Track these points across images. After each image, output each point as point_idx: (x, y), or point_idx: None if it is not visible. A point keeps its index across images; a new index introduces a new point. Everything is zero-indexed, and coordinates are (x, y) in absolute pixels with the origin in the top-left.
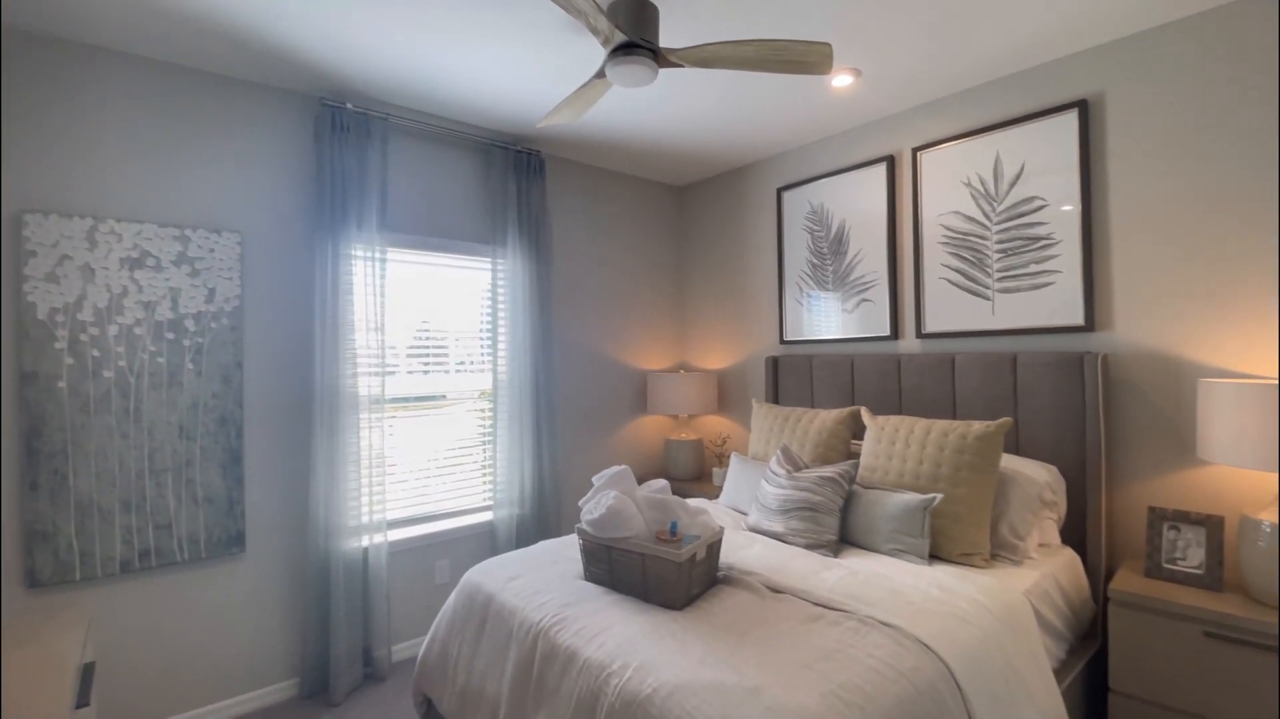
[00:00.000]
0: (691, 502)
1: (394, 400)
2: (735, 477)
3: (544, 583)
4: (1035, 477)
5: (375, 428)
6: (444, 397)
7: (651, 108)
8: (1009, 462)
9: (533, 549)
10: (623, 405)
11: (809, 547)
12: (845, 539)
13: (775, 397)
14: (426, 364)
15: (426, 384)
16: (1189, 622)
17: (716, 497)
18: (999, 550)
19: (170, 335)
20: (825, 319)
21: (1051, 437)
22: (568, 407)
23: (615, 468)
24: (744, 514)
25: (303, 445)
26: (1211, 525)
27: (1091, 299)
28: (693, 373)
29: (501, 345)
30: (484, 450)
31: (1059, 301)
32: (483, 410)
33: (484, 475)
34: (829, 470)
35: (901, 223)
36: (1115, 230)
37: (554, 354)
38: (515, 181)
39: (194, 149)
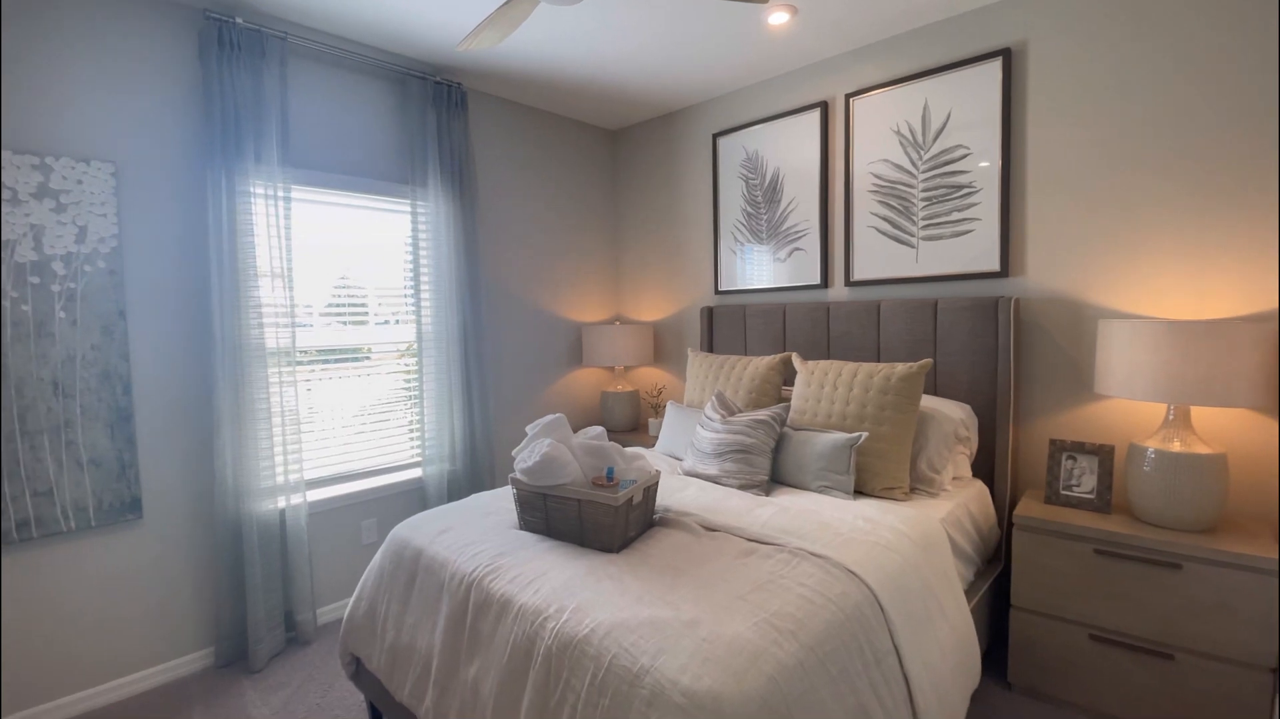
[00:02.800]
0: (628, 449)
1: (309, 355)
2: (671, 424)
3: (477, 534)
4: (951, 415)
5: (287, 383)
6: (366, 351)
7: (583, 42)
8: (928, 402)
9: (464, 502)
10: (557, 358)
11: (742, 487)
12: (777, 479)
13: (710, 346)
14: (343, 317)
15: (345, 337)
16: (1081, 541)
17: (653, 447)
18: (918, 484)
19: (35, 279)
20: (759, 269)
21: (967, 377)
22: (499, 360)
23: (550, 416)
24: (680, 460)
25: (204, 403)
26: (1104, 454)
27: (1007, 246)
28: (629, 325)
29: (425, 295)
30: (410, 405)
31: (977, 249)
32: (408, 364)
33: (411, 431)
34: (761, 414)
35: (834, 171)
36: (1031, 180)
37: (482, 305)
38: (435, 116)
39: (54, 65)
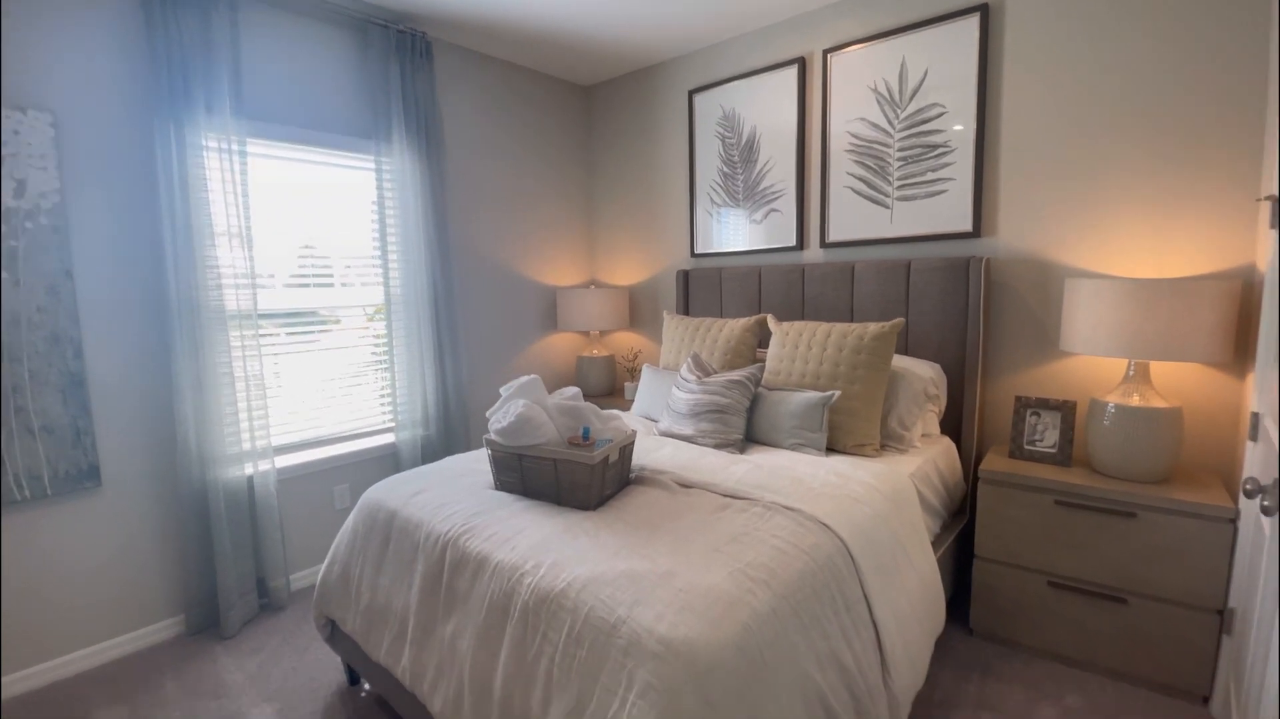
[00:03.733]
0: (604, 410)
1: (274, 319)
2: (647, 386)
3: (451, 495)
4: (921, 373)
5: (250, 348)
6: (333, 315)
7: None
8: (899, 361)
9: (438, 464)
10: (531, 322)
11: (717, 446)
12: (751, 438)
13: (686, 309)
14: (307, 279)
15: (310, 299)
16: (1042, 493)
17: (629, 411)
18: (888, 441)
19: None
20: (735, 231)
21: (937, 336)
22: (472, 324)
23: (524, 377)
24: (656, 422)
25: (162, 367)
26: (1066, 410)
27: (980, 206)
28: (604, 289)
29: (393, 257)
30: (381, 370)
31: (951, 209)
32: (377, 328)
33: (382, 396)
34: (736, 374)
35: (810, 130)
36: (1005, 140)
37: (453, 267)
38: (398, 67)
39: None
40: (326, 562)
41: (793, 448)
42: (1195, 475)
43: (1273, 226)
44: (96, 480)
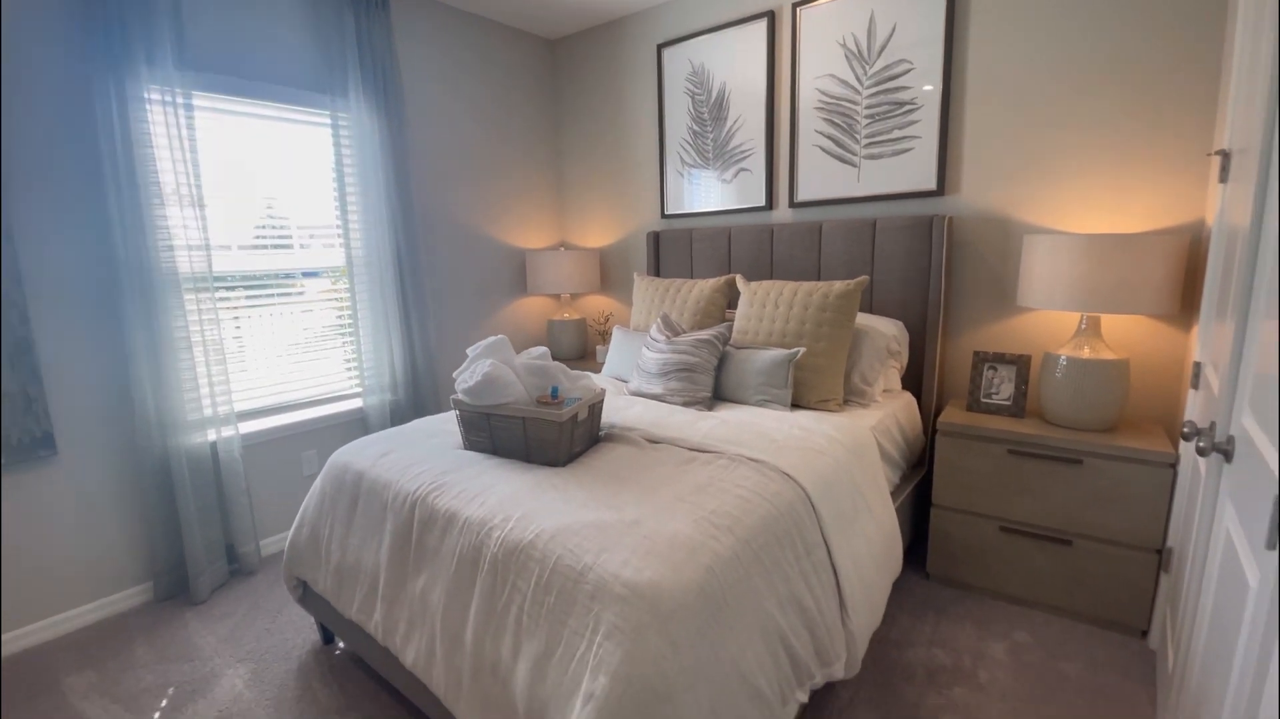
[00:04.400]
0: (573, 370)
1: (232, 282)
2: (617, 347)
3: (419, 455)
4: (884, 331)
5: (207, 312)
6: (300, 287)
7: None
8: (863, 319)
9: (406, 426)
10: (501, 286)
11: (686, 404)
12: (719, 396)
13: (657, 270)
14: (265, 239)
15: (268, 261)
16: (996, 443)
17: (600, 373)
18: (850, 396)
19: None
20: (705, 191)
21: (900, 294)
22: (439, 287)
23: (491, 338)
24: (626, 382)
25: (114, 333)
26: (1021, 363)
27: (944, 165)
28: (574, 251)
29: (354, 218)
30: (345, 334)
31: (917, 167)
32: (339, 290)
33: (348, 361)
34: (705, 334)
35: (780, 86)
36: (970, 97)
37: (417, 228)
38: (353, 17)
39: None
40: (295, 523)
41: (759, 404)
42: (1140, 424)
43: (1222, 181)
44: (52, 448)
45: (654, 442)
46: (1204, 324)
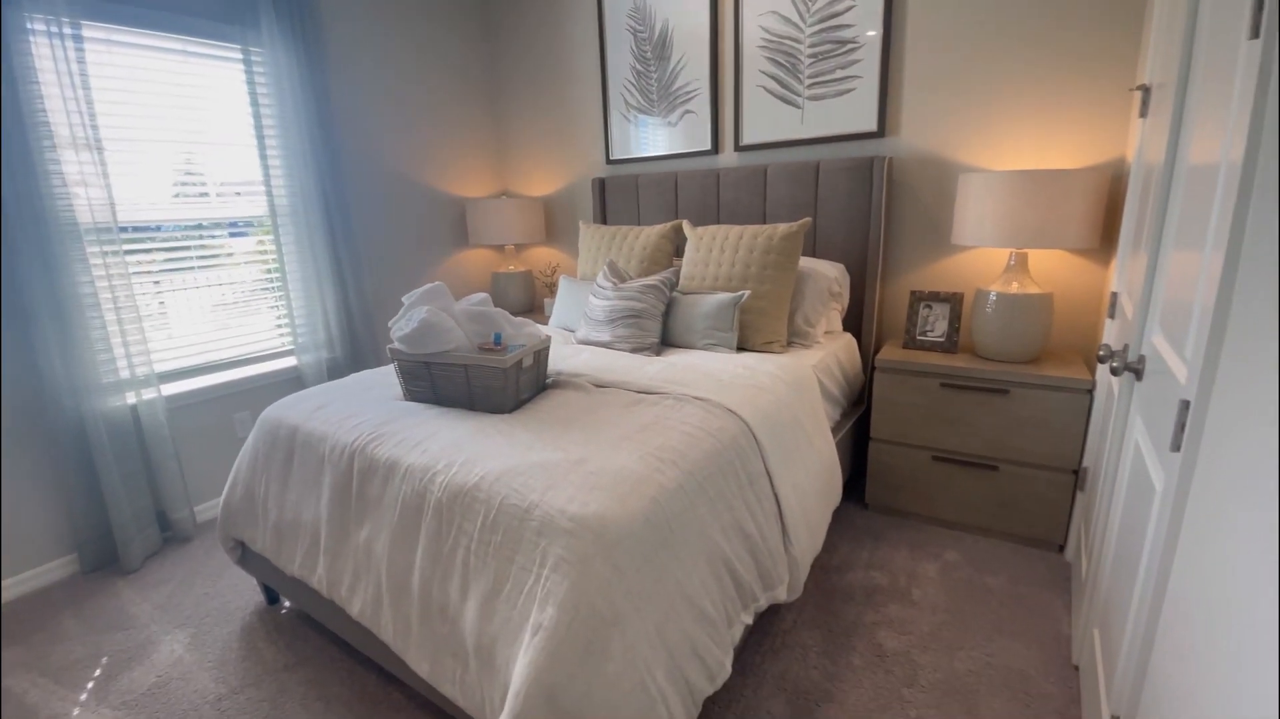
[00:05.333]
0: (516, 317)
1: (140, 232)
2: (564, 297)
3: (357, 407)
4: (826, 273)
5: (115, 266)
6: (213, 230)
7: None
8: (806, 262)
9: (343, 380)
10: (441, 237)
11: (634, 350)
12: (667, 341)
13: (603, 218)
14: (177, 189)
15: (183, 210)
16: (930, 377)
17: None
18: (794, 338)
19: None
20: (651, 135)
21: (842, 237)
22: (374, 238)
23: (428, 285)
24: (574, 331)
25: (9, 290)
26: (954, 301)
27: (885, 105)
28: (516, 199)
29: (275, 163)
30: (274, 288)
31: (858, 109)
32: (263, 242)
33: (279, 317)
34: (652, 279)
35: (723, 24)
36: (909, 37)
37: (346, 175)
38: None
39: None
40: (228, 484)
41: (706, 348)
42: (1062, 354)
43: (1142, 116)
44: None
45: (601, 386)
46: (1122, 256)
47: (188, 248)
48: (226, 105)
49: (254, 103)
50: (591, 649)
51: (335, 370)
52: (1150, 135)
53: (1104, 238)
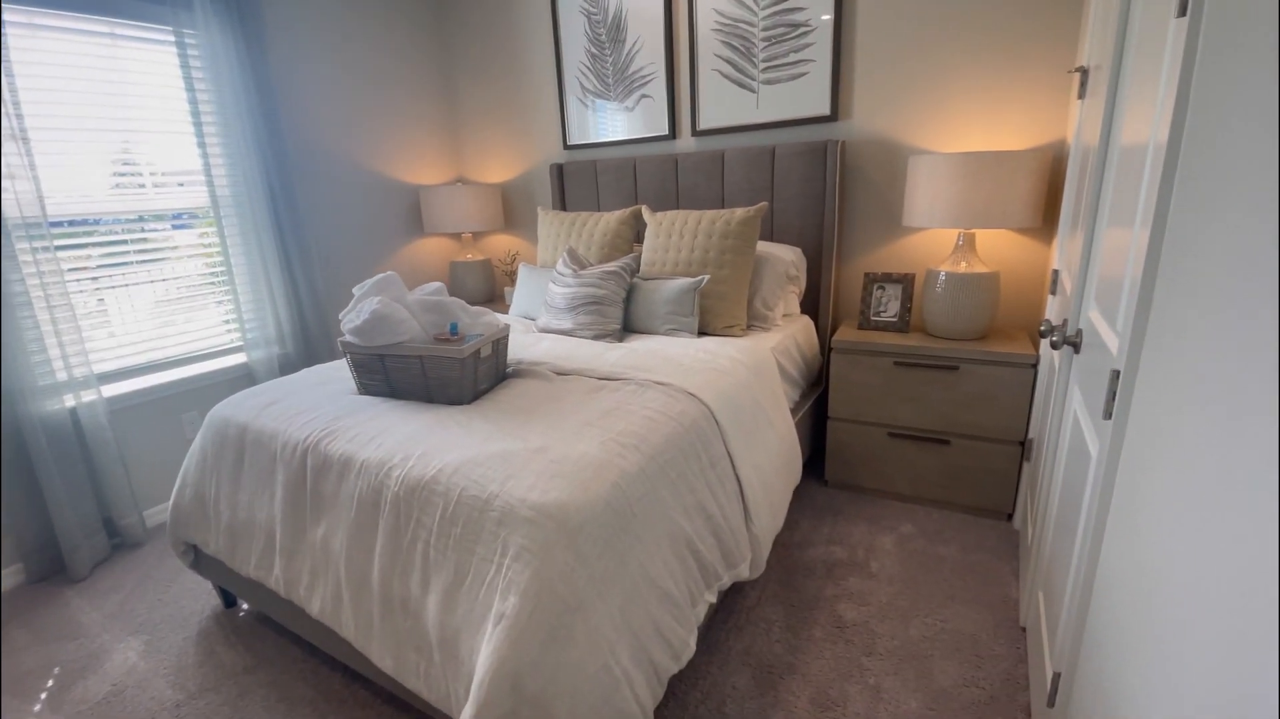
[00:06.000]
0: (474, 307)
1: (75, 227)
2: (524, 285)
3: (309, 403)
4: (784, 257)
5: (46, 262)
6: (154, 223)
7: None
8: (763, 246)
9: (293, 376)
10: (395, 226)
11: (596, 337)
12: (629, 328)
13: (562, 204)
14: (114, 181)
15: (120, 202)
16: (884, 356)
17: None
18: (753, 321)
19: None
20: (608, 120)
21: (799, 221)
22: (324, 228)
23: (379, 275)
24: (534, 320)
25: None
26: (907, 282)
27: (838, 89)
28: (472, 186)
29: (215, 151)
30: (220, 283)
31: (811, 92)
32: (206, 234)
33: (226, 312)
34: (612, 265)
35: (677, 5)
36: (861, 20)
37: (291, 163)
38: None
39: None
40: (177, 486)
41: (667, 333)
42: (1008, 331)
43: (1081, 97)
44: None
45: (562, 374)
46: (1062, 235)
47: (126, 242)
48: (161, 91)
49: (190, 88)
50: (555, 635)
51: (287, 366)
52: (1088, 116)
53: (1046, 217)
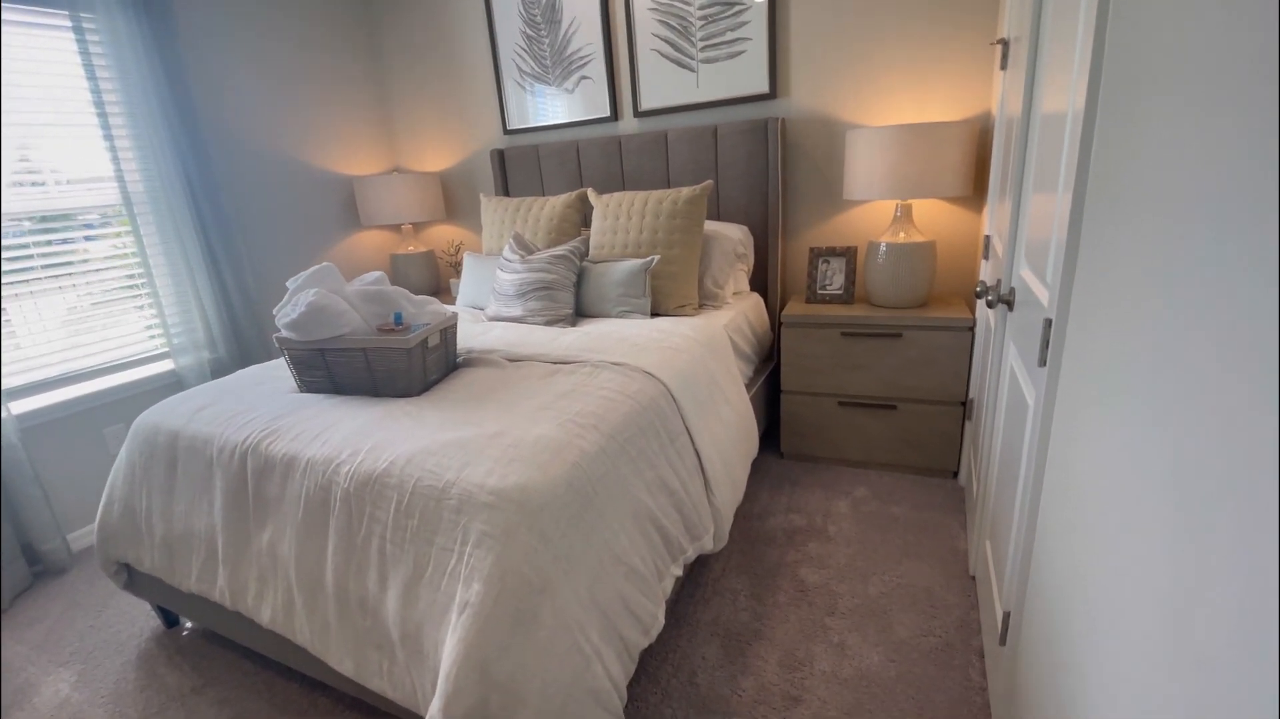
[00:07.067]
0: (418, 296)
1: None
2: (470, 275)
3: (246, 404)
4: (731, 235)
5: None
6: (72, 240)
7: None
8: (711, 225)
9: (228, 378)
10: (329, 219)
11: (548, 323)
12: (581, 312)
13: (506, 190)
14: (13, 182)
15: (15, 202)
16: (831, 328)
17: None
18: (705, 300)
19: None
20: (549, 103)
21: (744, 200)
22: (253, 224)
23: (315, 267)
24: (483, 309)
25: None
26: (850, 255)
27: (775, 67)
28: (409, 175)
29: (124, 145)
30: (140, 285)
31: (750, 71)
32: (120, 234)
33: (149, 317)
34: (560, 249)
35: None
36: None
37: (211, 156)
38: None
39: None
40: (103, 502)
41: (620, 315)
42: (946, 297)
43: (1003, 69)
44: None
45: (515, 360)
46: (991, 202)
47: (27, 245)
48: (60, 82)
49: (91, 77)
50: (521, 618)
51: (220, 370)
52: (1010, 87)
53: (976, 186)
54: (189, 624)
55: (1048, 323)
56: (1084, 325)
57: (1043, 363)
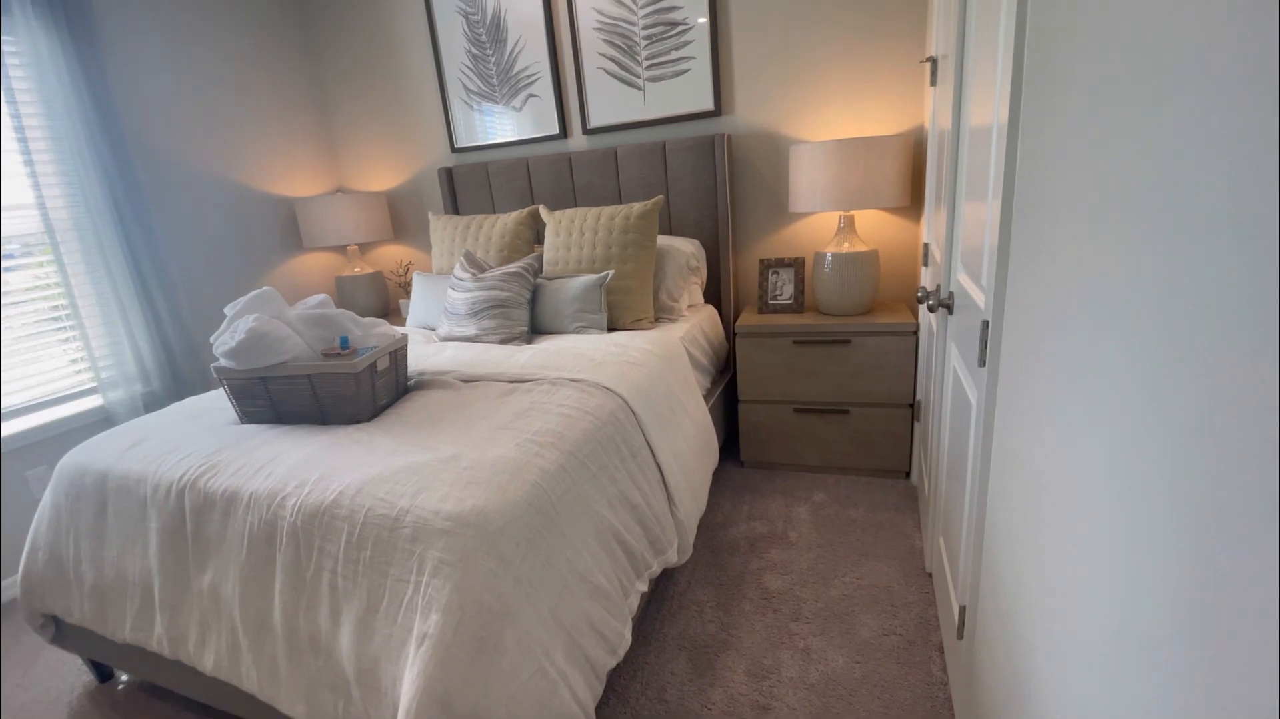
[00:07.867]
0: (364, 318)
1: None
2: (420, 295)
3: (181, 438)
4: (684, 249)
5: None
6: None
7: None
8: (663, 240)
9: (161, 412)
10: (269, 242)
11: (503, 342)
12: (536, 329)
13: (455, 209)
14: None
15: None
16: (783, 337)
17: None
18: (660, 314)
19: None
20: (497, 121)
21: (695, 214)
22: (187, 250)
23: (254, 292)
24: (435, 329)
25: None
26: (798, 265)
27: (719, 85)
28: (354, 195)
29: (46, 169)
30: (61, 318)
31: (695, 89)
32: (41, 264)
33: (74, 350)
34: (513, 267)
35: (557, 5)
36: (734, 19)
37: (140, 181)
38: None
39: None
40: (26, 550)
41: (576, 331)
42: (890, 304)
43: (933, 85)
44: None
45: (470, 380)
46: (929, 211)
47: None
48: None
49: (10, 99)
50: (483, 646)
51: (154, 404)
52: (940, 102)
53: (914, 196)
54: (125, 677)
55: (985, 324)
56: (1018, 326)
57: (982, 363)
